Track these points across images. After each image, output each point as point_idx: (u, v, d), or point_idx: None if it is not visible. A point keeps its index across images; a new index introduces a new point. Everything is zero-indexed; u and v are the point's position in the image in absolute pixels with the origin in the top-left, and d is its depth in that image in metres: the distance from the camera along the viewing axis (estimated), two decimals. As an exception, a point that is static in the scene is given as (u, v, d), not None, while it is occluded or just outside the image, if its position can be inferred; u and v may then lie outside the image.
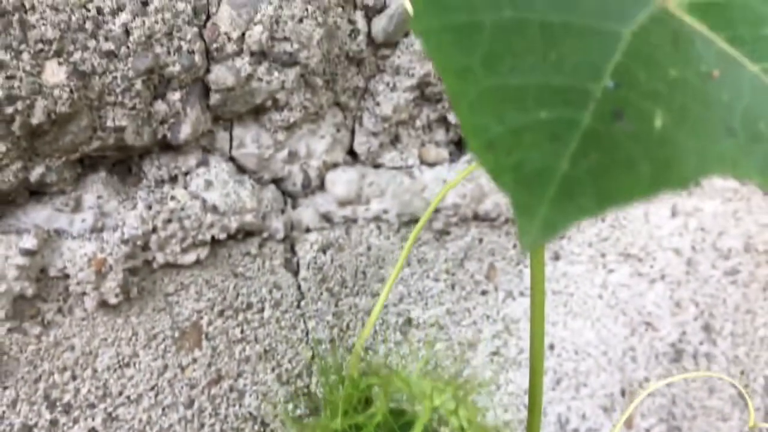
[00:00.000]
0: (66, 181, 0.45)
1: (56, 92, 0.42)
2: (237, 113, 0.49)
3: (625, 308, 0.63)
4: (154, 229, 0.47)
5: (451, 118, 0.56)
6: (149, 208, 0.47)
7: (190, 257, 0.49)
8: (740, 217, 0.65)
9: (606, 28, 0.22)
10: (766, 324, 0.67)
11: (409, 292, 0.57)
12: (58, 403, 0.47)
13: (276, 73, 0.48)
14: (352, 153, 0.55)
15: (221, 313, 0.51)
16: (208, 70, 0.47)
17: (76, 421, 0.47)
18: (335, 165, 0.54)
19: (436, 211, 0.56)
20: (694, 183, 0.19)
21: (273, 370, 0.53)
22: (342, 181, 0.53)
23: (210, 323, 0.51)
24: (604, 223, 0.62)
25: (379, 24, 0.51)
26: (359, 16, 0.51)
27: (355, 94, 0.53)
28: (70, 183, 0.46)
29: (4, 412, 0.45)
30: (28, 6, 0.40)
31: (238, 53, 0.47)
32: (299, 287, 0.53)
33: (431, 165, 0.56)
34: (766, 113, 0.21)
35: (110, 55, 0.43)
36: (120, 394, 0.48)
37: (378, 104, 0.53)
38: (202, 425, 0.51)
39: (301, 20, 0.47)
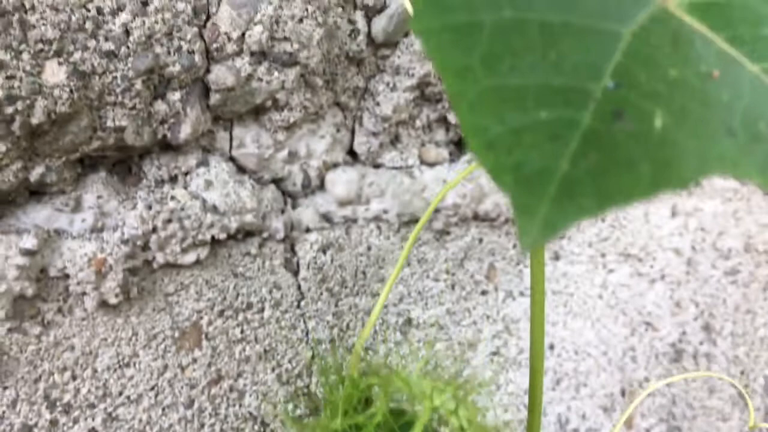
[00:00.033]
0: (66, 181, 0.45)
1: (56, 92, 0.42)
2: (237, 113, 0.49)
3: (625, 308, 0.63)
4: (154, 229, 0.47)
5: (451, 118, 0.56)
6: (149, 208, 0.47)
7: (190, 257, 0.49)
8: (740, 217, 0.65)
9: (606, 28, 0.22)
10: (766, 324, 0.67)
11: (409, 292, 0.57)
12: (58, 403, 0.47)
13: (276, 73, 0.48)
14: (352, 153, 0.55)
15: (221, 313, 0.51)
16: (208, 70, 0.47)
17: (76, 421, 0.47)
18: (335, 165, 0.54)
19: (436, 211, 0.56)
20: (694, 183, 0.19)
21: (273, 370, 0.53)
22: (342, 181, 0.53)
23: (210, 323, 0.51)
24: (604, 223, 0.62)
25: (379, 24, 0.51)
26: (359, 16, 0.51)
27: (355, 94, 0.53)
28: (70, 183, 0.46)
29: (4, 412, 0.45)
30: (28, 6, 0.40)
31: (238, 53, 0.47)
32: (299, 287, 0.53)
33: (431, 165, 0.56)
34: (766, 113, 0.21)
35: (110, 55, 0.43)
36: (120, 394, 0.48)
37: (378, 104, 0.53)
38: (202, 425, 0.51)
39: (301, 20, 0.47)
